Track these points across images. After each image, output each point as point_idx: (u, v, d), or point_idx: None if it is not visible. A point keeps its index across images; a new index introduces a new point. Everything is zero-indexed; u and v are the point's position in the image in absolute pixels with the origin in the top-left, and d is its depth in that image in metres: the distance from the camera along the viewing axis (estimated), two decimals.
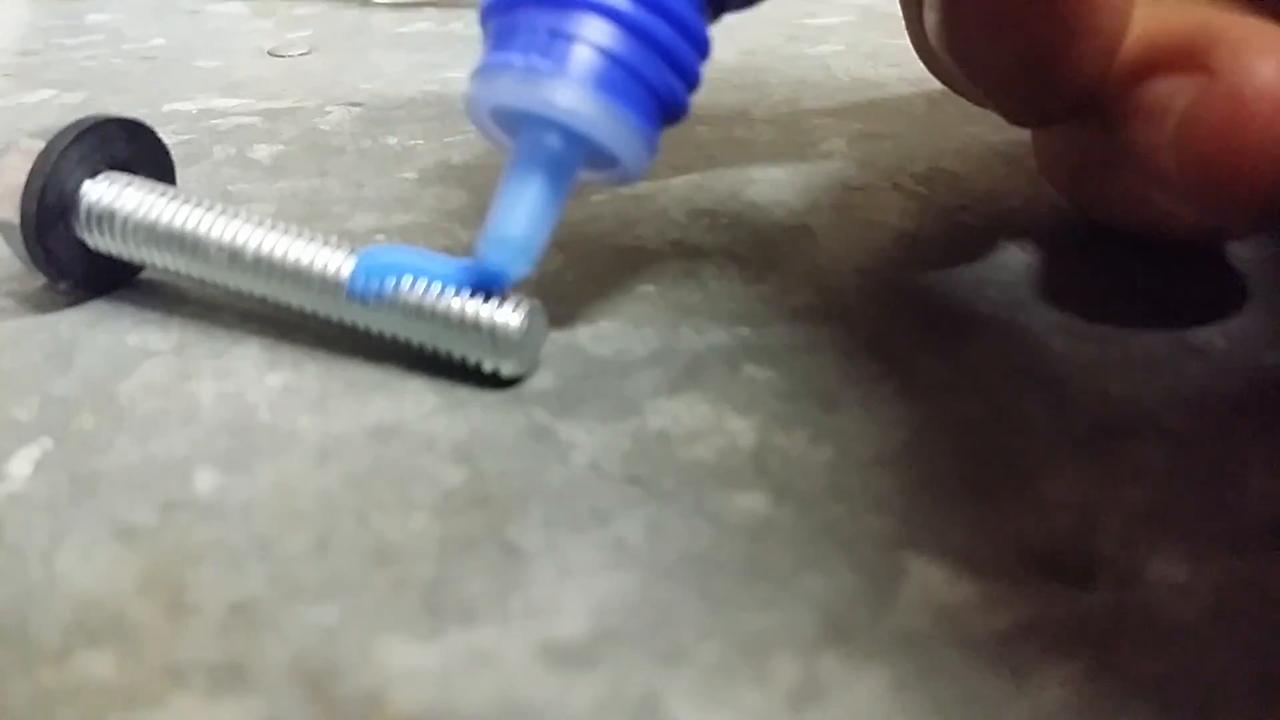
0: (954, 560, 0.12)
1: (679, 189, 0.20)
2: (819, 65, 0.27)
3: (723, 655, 0.11)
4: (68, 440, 0.14)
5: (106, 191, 0.16)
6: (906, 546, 0.12)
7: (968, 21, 0.15)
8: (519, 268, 0.14)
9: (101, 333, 0.16)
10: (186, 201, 0.16)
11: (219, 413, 0.14)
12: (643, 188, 0.20)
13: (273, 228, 0.15)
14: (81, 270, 0.16)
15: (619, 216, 0.19)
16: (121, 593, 0.11)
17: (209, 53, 0.31)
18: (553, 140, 0.14)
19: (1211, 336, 0.15)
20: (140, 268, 0.17)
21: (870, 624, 0.11)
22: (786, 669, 0.10)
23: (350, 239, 0.19)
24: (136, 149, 0.17)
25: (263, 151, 0.23)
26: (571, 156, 0.14)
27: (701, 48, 0.14)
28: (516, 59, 0.14)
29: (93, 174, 0.16)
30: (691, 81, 0.15)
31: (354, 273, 0.15)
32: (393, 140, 0.23)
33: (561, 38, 0.14)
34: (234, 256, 0.15)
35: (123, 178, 0.16)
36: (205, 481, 0.13)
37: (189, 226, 0.15)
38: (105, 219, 0.16)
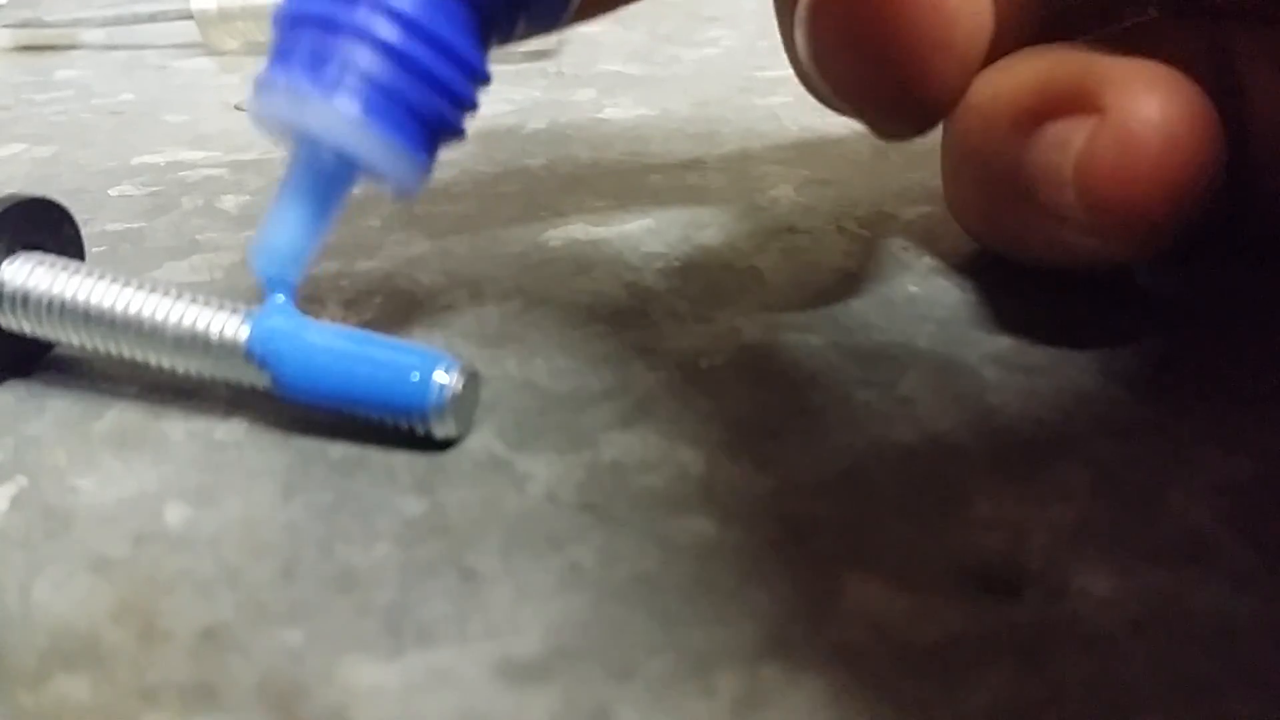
0: (889, 577, 0.12)
1: (633, 233, 0.21)
2: (769, 115, 0.28)
3: (671, 669, 0.11)
4: (42, 478, 0.14)
5: (19, 272, 0.16)
6: (844, 565, 0.13)
7: (830, 42, 0.15)
8: (289, 275, 0.15)
9: (73, 378, 0.17)
10: (102, 279, 0.15)
11: (188, 450, 0.15)
12: (598, 233, 0.21)
13: (191, 301, 0.15)
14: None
15: (575, 259, 0.20)
16: (96, 620, 0.12)
17: (177, 107, 0.31)
18: (322, 156, 0.15)
19: (1137, 365, 0.16)
20: (51, 346, 0.17)
21: (809, 637, 0.12)
22: (731, 680, 0.11)
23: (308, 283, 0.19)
24: (45, 227, 0.17)
25: (230, 202, 0.24)
26: (342, 172, 0.15)
27: (474, 74, 0.15)
28: (287, 78, 0.14)
29: (7, 255, 0.16)
30: (466, 105, 0.15)
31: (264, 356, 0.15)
32: (356, 190, 0.24)
33: (331, 62, 0.14)
34: (153, 332, 0.15)
35: (35, 256, 0.16)
36: (175, 515, 0.14)
37: (107, 304, 0.15)
38: (21, 300, 0.16)
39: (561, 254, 0.21)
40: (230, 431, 0.15)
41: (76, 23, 0.39)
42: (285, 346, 0.15)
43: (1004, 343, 0.17)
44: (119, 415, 0.16)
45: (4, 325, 0.16)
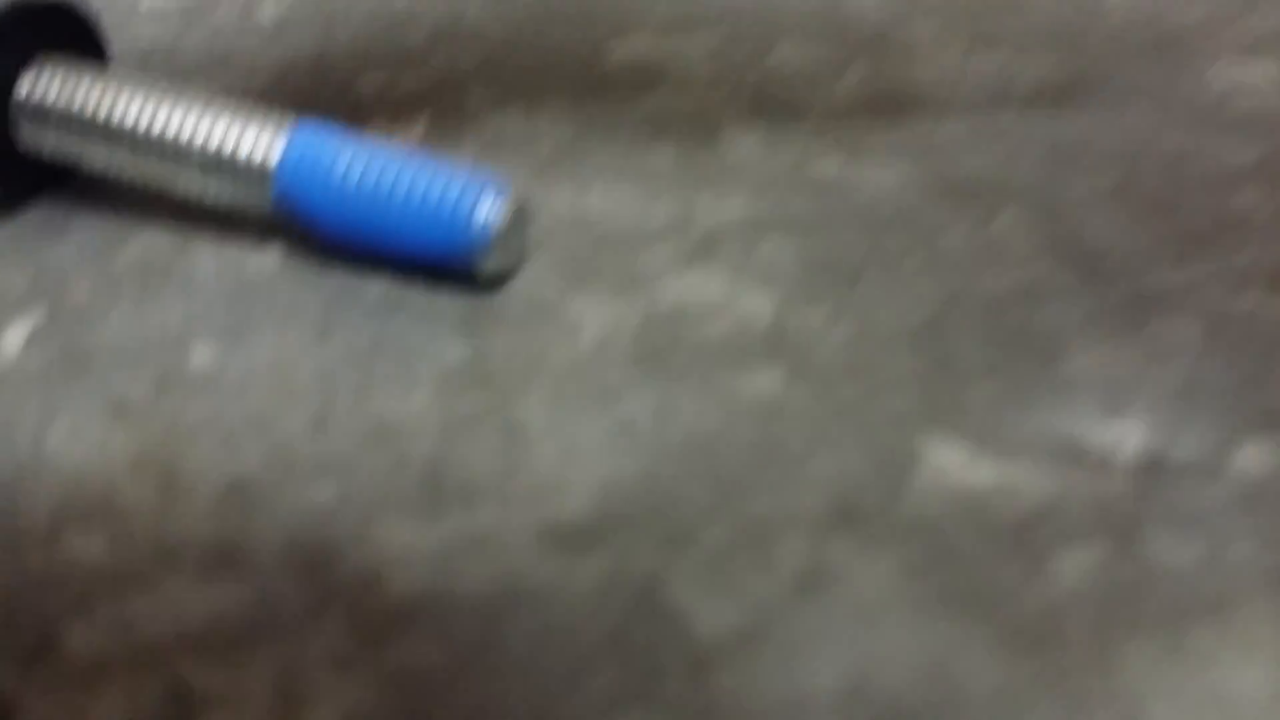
0: (972, 443, 0.11)
1: (700, 43, 0.20)
2: None
3: (728, 538, 0.10)
4: (61, 312, 0.14)
5: (39, 85, 0.15)
6: (923, 428, 0.12)
7: None
8: None
9: (99, 202, 0.16)
10: (127, 89, 0.14)
11: (217, 284, 0.14)
12: (665, 45, 0.20)
13: (219, 117, 0.14)
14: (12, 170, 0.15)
15: (639, 75, 0.19)
16: (113, 471, 0.11)
17: None
18: None
19: (1258, 200, 0.15)
20: (73, 171, 0.16)
21: (882, 509, 0.11)
22: (793, 553, 0.10)
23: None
24: (67, 35, 0.15)
25: (268, 13, 0.22)
26: None
27: None
28: None
29: (25, 62, 0.15)
30: None
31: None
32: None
33: None
34: (176, 153, 0.14)
35: (59, 67, 0.15)
36: (201, 356, 0.13)
37: (130, 121, 0.14)
38: (40, 114, 0.15)
39: (623, 70, 0.19)
40: (262, 265, 0.14)
41: None
42: (316, 180, 0.14)
43: (1110, 179, 0.15)
44: (145, 245, 0.15)
45: (24, 141, 0.15)
